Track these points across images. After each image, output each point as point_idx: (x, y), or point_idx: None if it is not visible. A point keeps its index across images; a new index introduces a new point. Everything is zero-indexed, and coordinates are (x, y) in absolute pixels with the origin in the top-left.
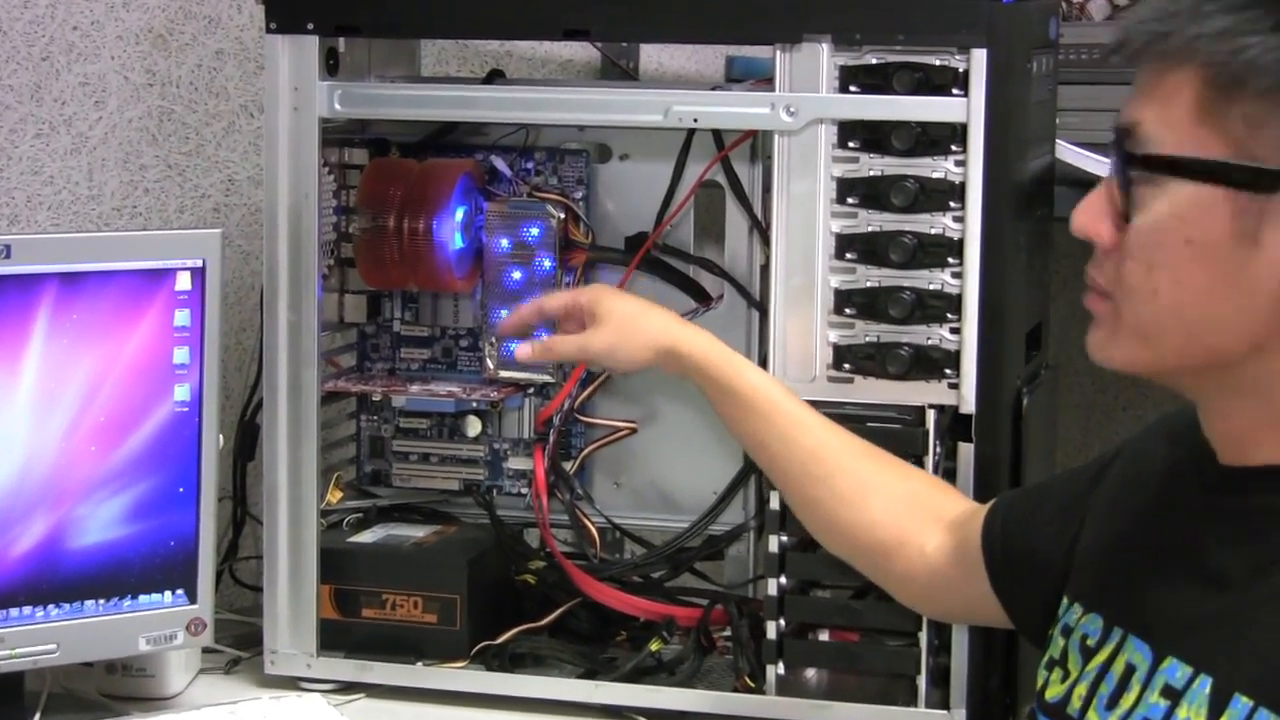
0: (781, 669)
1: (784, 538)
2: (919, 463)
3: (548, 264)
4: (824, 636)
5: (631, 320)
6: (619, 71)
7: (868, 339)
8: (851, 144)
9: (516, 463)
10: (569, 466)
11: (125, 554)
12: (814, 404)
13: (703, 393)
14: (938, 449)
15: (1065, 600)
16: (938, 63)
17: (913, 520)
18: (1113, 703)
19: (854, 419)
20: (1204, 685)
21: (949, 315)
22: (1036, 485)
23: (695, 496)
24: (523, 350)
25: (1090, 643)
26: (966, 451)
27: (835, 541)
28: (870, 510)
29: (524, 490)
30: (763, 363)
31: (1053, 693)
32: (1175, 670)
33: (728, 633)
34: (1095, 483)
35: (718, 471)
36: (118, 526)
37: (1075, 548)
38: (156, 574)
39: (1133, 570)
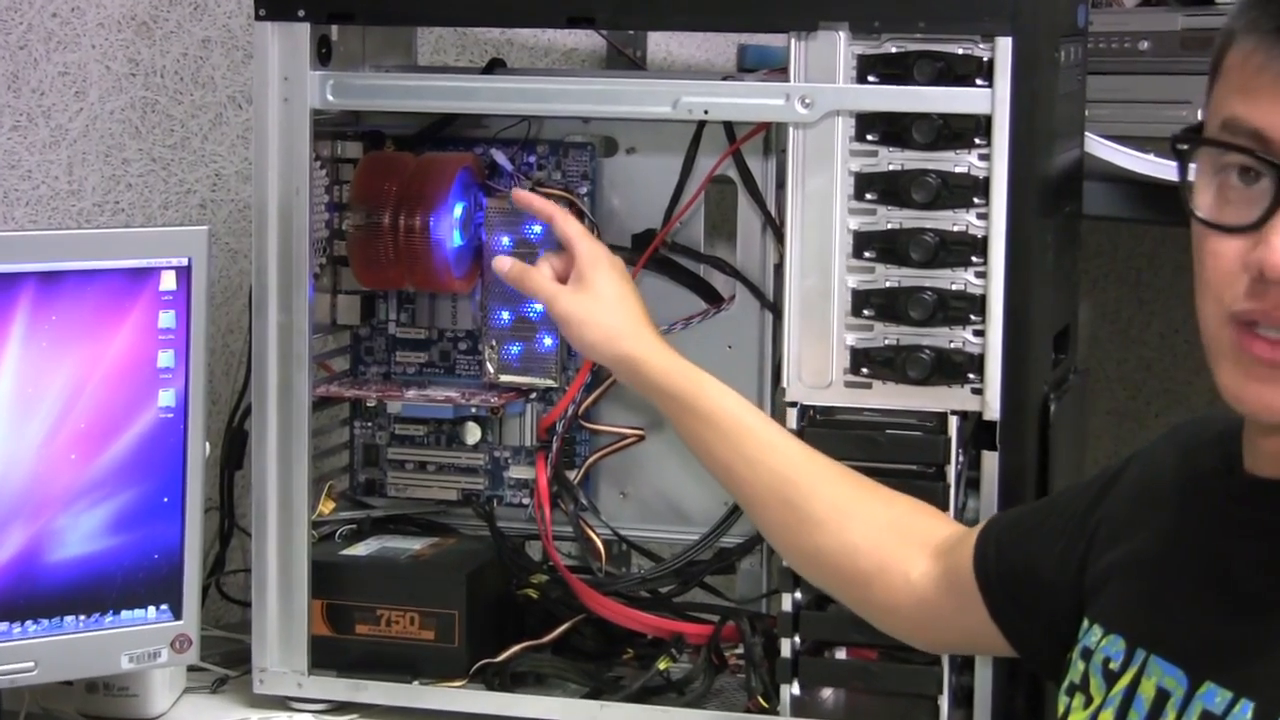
0: (796, 689)
1: None
2: (940, 473)
3: None
4: (841, 654)
5: (602, 306)
6: (625, 61)
7: (887, 342)
8: (870, 137)
9: (518, 471)
10: (573, 476)
11: (107, 567)
12: (831, 410)
13: (663, 412)
14: (960, 458)
15: (1085, 621)
16: (960, 52)
17: (896, 546)
18: None
19: (872, 426)
20: (1245, 710)
21: (972, 317)
22: (1031, 506)
23: (705, 507)
24: (501, 261)
25: (1113, 666)
26: (991, 460)
27: (812, 570)
28: (849, 535)
29: (526, 501)
30: (776, 367)
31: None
32: (1214, 696)
33: (740, 650)
34: (1100, 498)
35: None
36: (99, 538)
37: (1085, 567)
38: (140, 588)
39: (1155, 589)
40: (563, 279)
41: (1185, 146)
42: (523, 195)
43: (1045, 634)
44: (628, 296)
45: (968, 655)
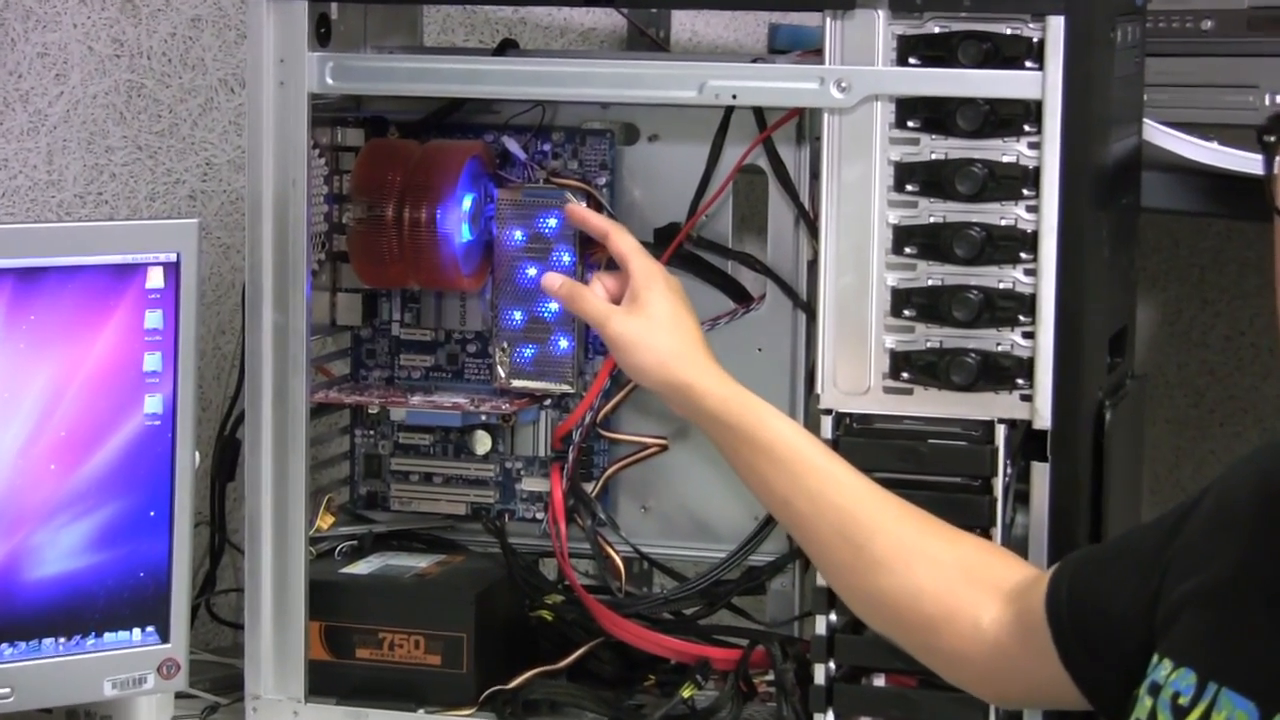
0: (831, 718)
1: None
2: (986, 485)
3: (567, 259)
4: (879, 681)
5: (656, 328)
6: (647, 41)
7: (929, 345)
8: (911, 124)
9: (531, 484)
10: (590, 488)
11: (89, 586)
12: (868, 418)
13: (715, 442)
14: (1008, 470)
15: (1155, 656)
16: (1009, 32)
17: (965, 590)
18: None
19: (913, 435)
20: None
21: (1021, 318)
22: (1105, 544)
23: (733, 523)
24: (551, 278)
25: (1183, 701)
26: (1041, 472)
27: (874, 614)
28: (915, 578)
29: (539, 515)
30: (810, 372)
31: None
32: None
33: (770, 677)
34: (1174, 533)
35: None
36: (80, 555)
37: (1158, 602)
38: (124, 609)
39: (1227, 618)
40: (616, 300)
41: (1273, 138)
42: (577, 211)
43: (1116, 676)
44: (683, 318)
45: (1032, 709)
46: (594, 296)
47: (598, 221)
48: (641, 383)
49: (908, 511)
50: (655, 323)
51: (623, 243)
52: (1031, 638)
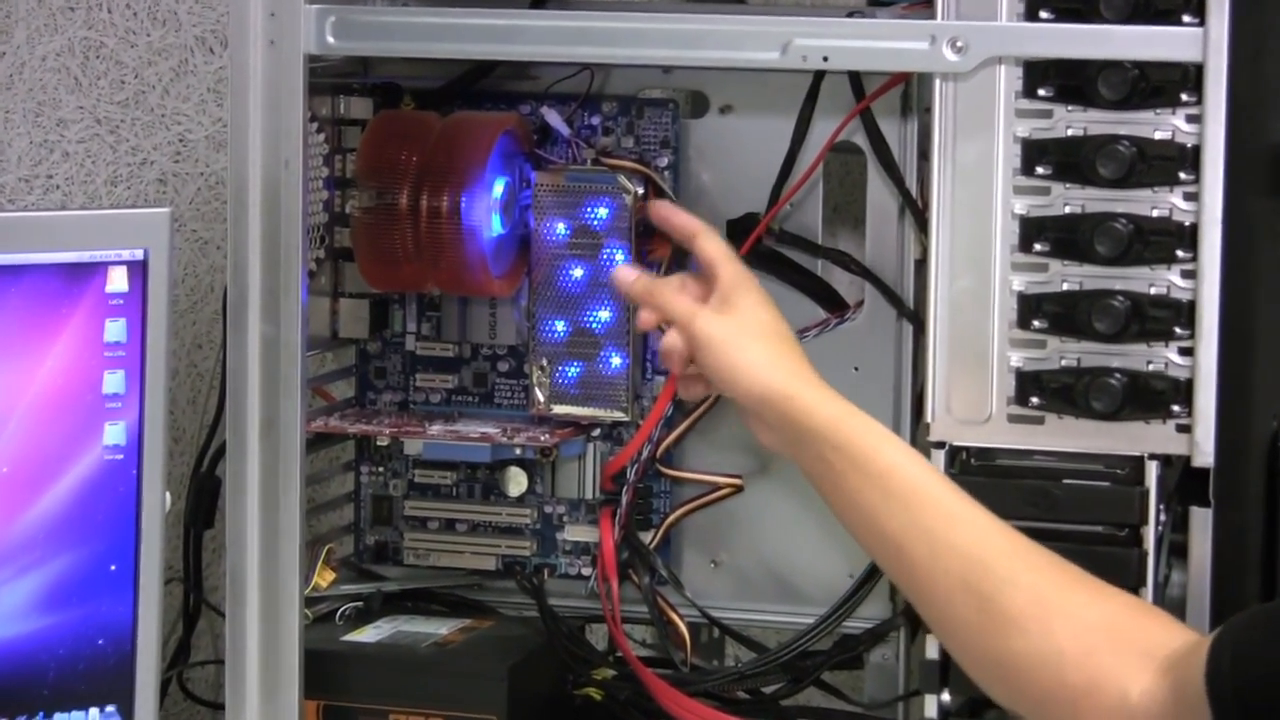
0: None
1: None
2: (1134, 535)
3: (620, 256)
4: None
5: (751, 331)
6: None
7: (1064, 363)
8: (1042, 92)
9: (575, 533)
10: (649, 538)
11: (36, 656)
12: (989, 453)
13: (811, 470)
14: (1162, 516)
15: None
16: None
17: (1112, 655)
18: None
19: (1044, 474)
20: None
21: (1178, 330)
22: (1275, 604)
23: (824, 580)
24: (625, 272)
25: None
26: (1202, 519)
27: (1000, 682)
28: (1054, 639)
29: (586, 571)
30: (918, 396)
31: None
32: None
33: None
34: None
35: (853, 546)
36: (26, 618)
37: None
38: (79, 683)
39: None
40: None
41: None
42: (661, 209)
43: None
44: (782, 328)
45: None
46: (676, 293)
47: (683, 220)
48: (732, 391)
49: (1046, 560)
50: (750, 327)
51: (712, 246)
52: (1188, 713)
